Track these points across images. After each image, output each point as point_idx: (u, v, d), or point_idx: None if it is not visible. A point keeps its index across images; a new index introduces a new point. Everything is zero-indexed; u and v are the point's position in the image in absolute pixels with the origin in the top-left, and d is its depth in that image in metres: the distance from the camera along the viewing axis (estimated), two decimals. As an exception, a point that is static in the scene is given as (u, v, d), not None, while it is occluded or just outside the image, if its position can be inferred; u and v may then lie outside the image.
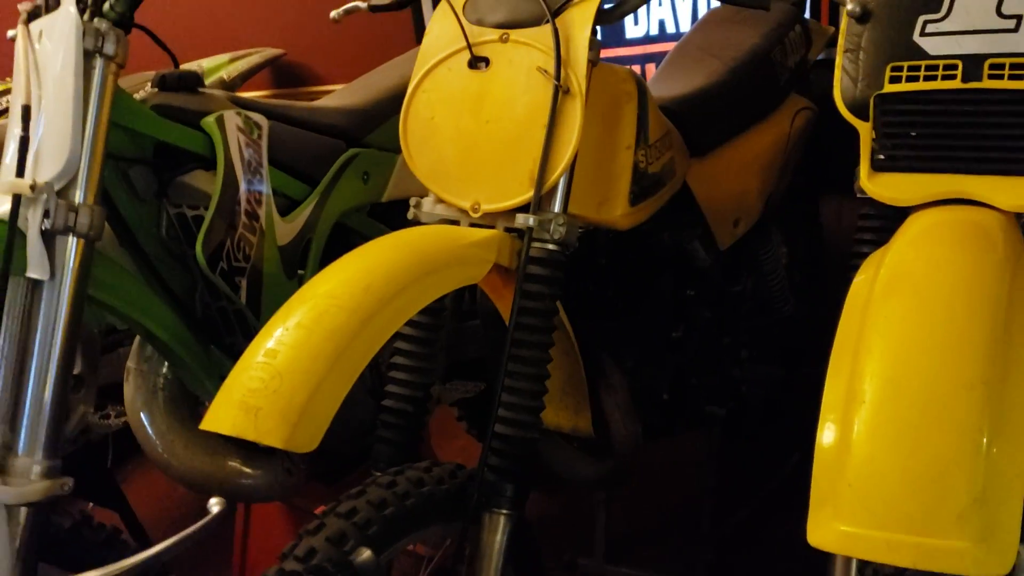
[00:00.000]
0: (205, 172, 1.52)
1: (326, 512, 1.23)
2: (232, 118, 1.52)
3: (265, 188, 1.56)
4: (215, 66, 2.41)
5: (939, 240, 1.10)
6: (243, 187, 1.50)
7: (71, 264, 1.37)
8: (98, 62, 1.39)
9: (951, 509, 0.87)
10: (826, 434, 0.96)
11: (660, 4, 2.64)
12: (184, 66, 2.39)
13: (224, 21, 2.85)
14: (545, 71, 1.36)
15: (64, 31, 1.37)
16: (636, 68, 2.74)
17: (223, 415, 1.08)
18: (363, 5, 1.64)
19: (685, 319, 1.90)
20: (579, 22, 1.37)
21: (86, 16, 1.38)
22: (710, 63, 2.04)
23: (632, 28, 2.75)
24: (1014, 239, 1.13)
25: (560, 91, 1.35)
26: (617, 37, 2.77)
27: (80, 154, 1.35)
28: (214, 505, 1.53)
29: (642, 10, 2.75)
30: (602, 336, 1.74)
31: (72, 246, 1.37)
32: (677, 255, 1.85)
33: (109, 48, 1.39)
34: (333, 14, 1.66)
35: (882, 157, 1.22)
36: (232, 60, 2.50)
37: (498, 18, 1.43)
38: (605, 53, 2.58)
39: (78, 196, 1.37)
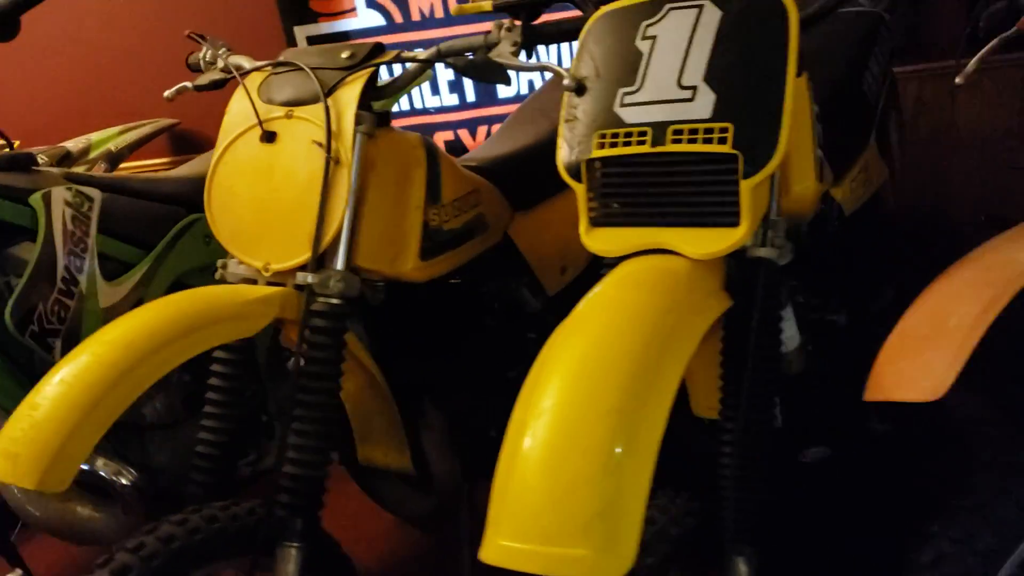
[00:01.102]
0: (31, 244, 1.67)
1: (117, 547, 1.36)
2: (60, 193, 1.68)
3: (88, 255, 1.72)
4: (103, 138, 2.58)
5: (623, 285, 1.24)
6: (62, 256, 1.65)
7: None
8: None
9: (578, 522, 1.00)
10: (503, 459, 1.10)
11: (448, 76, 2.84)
12: (74, 140, 2.56)
13: (118, 94, 3.03)
14: (319, 144, 1.52)
15: None
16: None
17: None
18: (190, 85, 1.80)
19: (523, 360, 2.05)
20: (347, 101, 1.53)
21: None
22: (540, 123, 2.21)
23: (504, 90, 2.93)
24: (699, 283, 1.28)
25: (331, 162, 1.50)
26: (491, 99, 2.95)
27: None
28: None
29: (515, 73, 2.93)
30: (423, 378, 1.88)
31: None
32: (507, 301, 2.00)
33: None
34: (166, 94, 1.82)
35: (595, 215, 1.37)
36: (122, 132, 2.66)
37: (284, 97, 1.59)
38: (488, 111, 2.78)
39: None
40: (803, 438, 1.94)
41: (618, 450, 1.03)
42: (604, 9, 1.41)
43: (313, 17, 2.87)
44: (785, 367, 1.60)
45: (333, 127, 1.51)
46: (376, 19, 2.90)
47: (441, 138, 3.02)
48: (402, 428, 1.77)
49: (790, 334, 1.61)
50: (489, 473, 2.00)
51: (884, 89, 2.24)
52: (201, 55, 1.82)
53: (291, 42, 2.89)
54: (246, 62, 1.73)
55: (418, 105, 2.98)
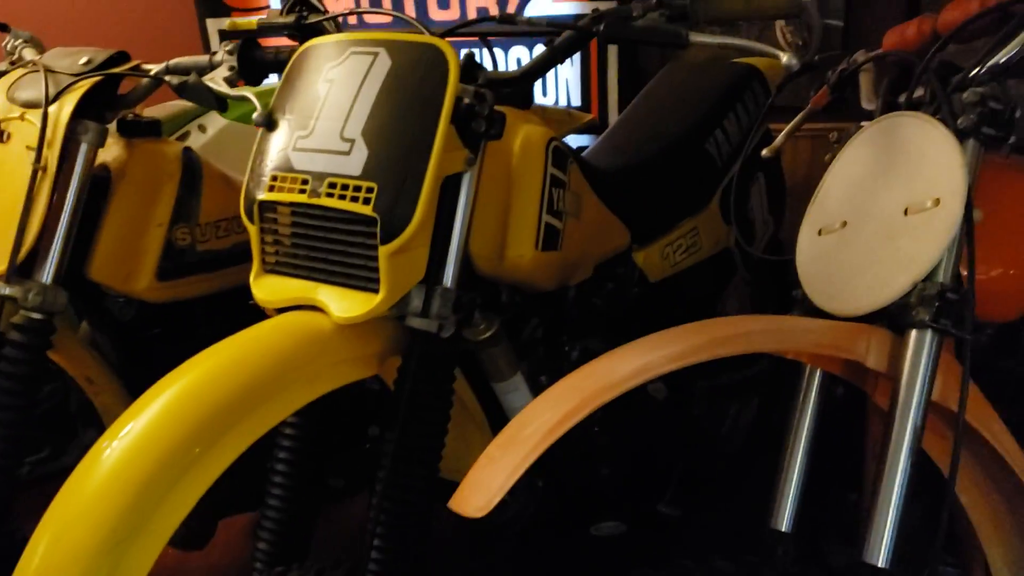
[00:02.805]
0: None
1: None
2: None
3: None
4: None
5: (238, 342, 1.17)
6: None
7: None
8: None
9: None
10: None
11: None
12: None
13: None
14: (31, 148, 1.46)
15: None
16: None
17: None
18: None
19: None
20: (66, 108, 1.47)
21: None
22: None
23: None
24: (337, 346, 1.19)
25: (39, 171, 1.45)
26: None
27: None
28: None
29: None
30: None
31: None
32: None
33: None
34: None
35: (265, 260, 1.29)
36: None
37: (24, 97, 1.55)
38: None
39: None
40: (597, 511, 1.84)
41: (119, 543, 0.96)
42: (311, 42, 1.33)
43: (226, 11, 2.84)
44: None
45: (48, 133, 1.46)
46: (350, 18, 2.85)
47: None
48: None
49: (521, 405, 1.51)
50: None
51: (747, 149, 2.10)
52: (3, 43, 1.78)
53: (204, 35, 2.86)
54: (29, 56, 1.69)
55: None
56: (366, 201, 1.17)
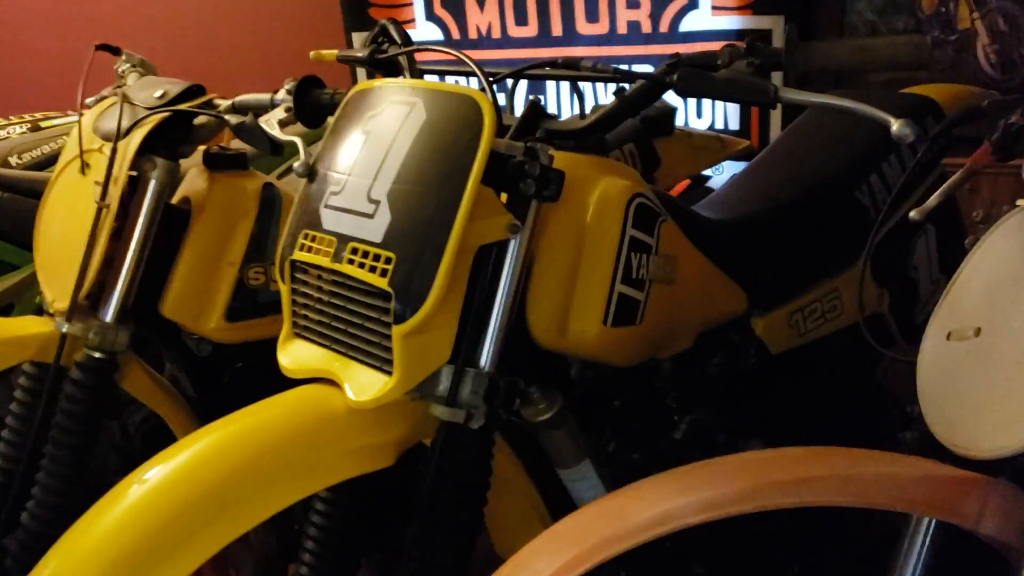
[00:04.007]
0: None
1: None
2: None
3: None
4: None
5: (250, 417, 1.08)
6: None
7: None
8: None
9: None
10: None
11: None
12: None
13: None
14: (98, 184, 1.42)
15: None
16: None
17: None
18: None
19: None
20: (134, 143, 1.42)
21: None
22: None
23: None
24: (348, 433, 1.07)
25: (103, 209, 1.41)
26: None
27: None
28: None
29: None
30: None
31: None
32: None
33: None
34: (88, 100, 1.80)
35: (294, 323, 1.18)
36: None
37: (106, 128, 1.51)
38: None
39: None
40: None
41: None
42: (359, 86, 1.20)
43: (372, 24, 2.78)
44: None
45: (115, 169, 1.41)
46: (434, 32, 2.76)
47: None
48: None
49: (591, 496, 1.33)
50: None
51: (919, 194, 1.79)
52: (116, 67, 1.78)
53: (350, 47, 2.82)
54: (133, 83, 1.66)
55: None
56: (383, 273, 1.03)
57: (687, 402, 1.48)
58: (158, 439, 1.62)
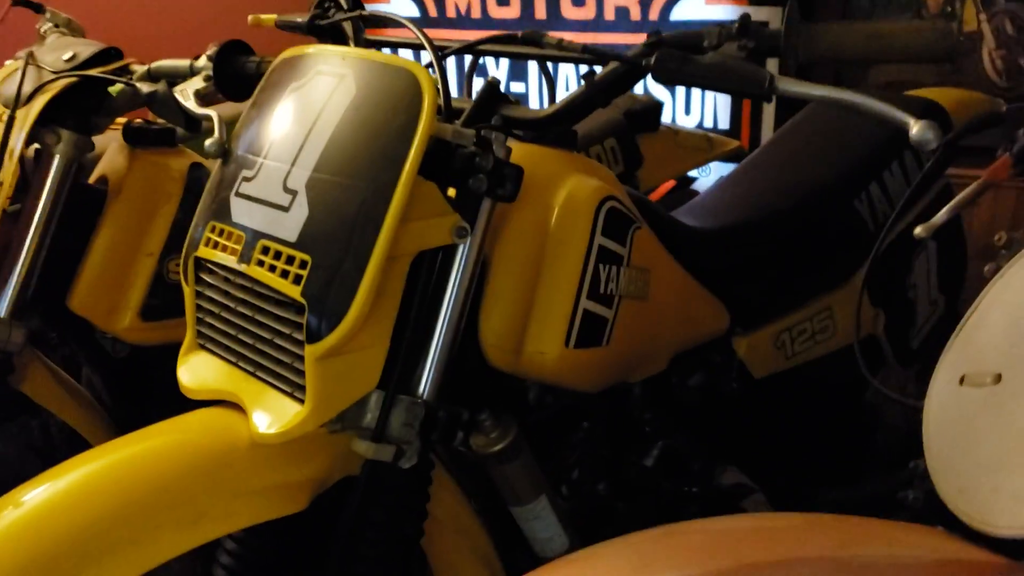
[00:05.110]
0: None
1: None
2: None
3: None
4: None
5: (131, 448, 0.90)
6: None
7: None
8: None
9: None
10: None
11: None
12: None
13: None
14: None
15: None
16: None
17: None
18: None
19: None
20: (32, 112, 1.24)
21: None
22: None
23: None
24: (254, 470, 0.89)
25: (-4, 184, 1.23)
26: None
27: None
28: None
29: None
30: None
31: None
32: None
33: None
34: None
35: (197, 331, 1.00)
36: None
37: (8, 93, 1.33)
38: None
39: None
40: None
41: None
42: (286, 54, 1.02)
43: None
44: None
45: (11, 140, 1.23)
46: (410, 9, 2.58)
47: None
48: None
49: (546, 536, 1.16)
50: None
51: (921, 208, 1.64)
52: (38, 26, 1.59)
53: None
54: (47, 46, 1.48)
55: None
56: (296, 279, 0.86)
57: (660, 428, 1.32)
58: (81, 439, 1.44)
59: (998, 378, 0.82)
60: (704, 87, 0.84)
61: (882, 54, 0.78)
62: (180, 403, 0.98)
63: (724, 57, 0.83)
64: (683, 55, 0.84)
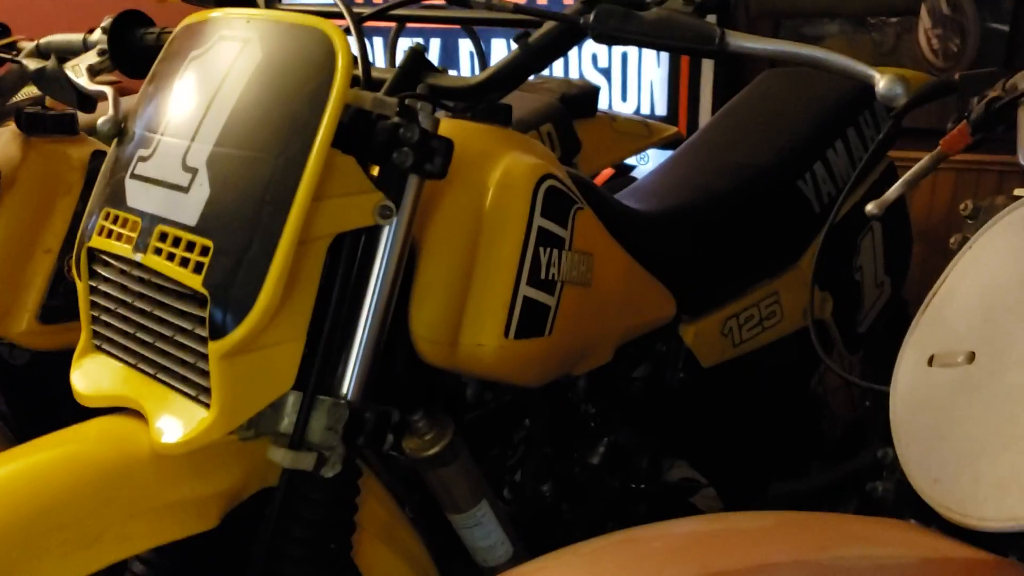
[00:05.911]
0: None
1: None
2: None
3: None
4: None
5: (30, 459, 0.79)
6: None
7: None
8: None
9: None
10: None
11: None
12: None
13: None
14: None
15: None
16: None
17: None
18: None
19: None
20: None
21: None
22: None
23: None
24: (158, 485, 0.79)
25: None
26: None
27: None
28: None
29: None
30: None
31: None
32: None
33: None
34: None
35: (94, 330, 0.90)
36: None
37: None
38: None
39: None
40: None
41: None
42: (188, 20, 0.92)
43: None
44: None
45: None
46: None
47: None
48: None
49: (488, 544, 1.08)
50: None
51: (865, 188, 1.59)
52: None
53: None
54: None
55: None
56: (197, 268, 0.76)
57: (606, 423, 1.25)
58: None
59: (971, 356, 0.76)
60: (649, 46, 0.76)
61: (843, 6, 0.71)
62: (88, 414, 0.89)
63: (670, 12, 0.75)
64: (625, 11, 0.76)
